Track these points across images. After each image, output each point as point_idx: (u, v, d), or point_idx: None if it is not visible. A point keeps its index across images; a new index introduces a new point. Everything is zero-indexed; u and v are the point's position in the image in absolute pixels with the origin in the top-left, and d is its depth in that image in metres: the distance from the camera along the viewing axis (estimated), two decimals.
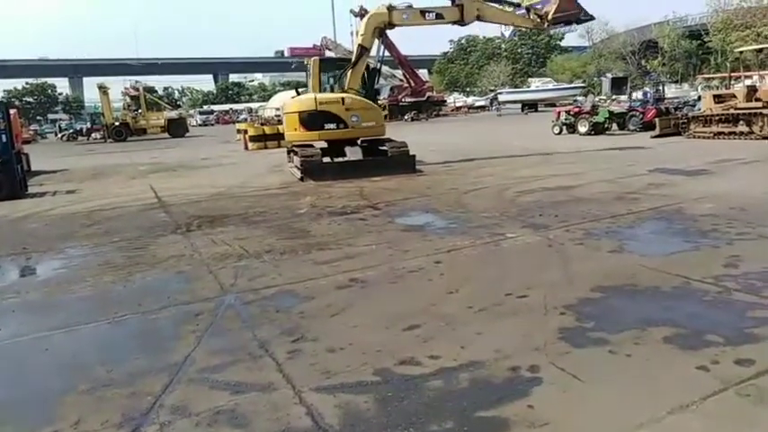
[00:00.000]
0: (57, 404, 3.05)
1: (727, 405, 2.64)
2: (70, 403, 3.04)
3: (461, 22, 12.37)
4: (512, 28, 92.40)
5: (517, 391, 2.86)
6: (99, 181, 14.32)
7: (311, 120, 12.07)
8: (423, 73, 59.96)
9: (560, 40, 76.12)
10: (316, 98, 12.12)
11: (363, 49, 12.29)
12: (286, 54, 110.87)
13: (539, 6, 12.81)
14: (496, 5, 13.10)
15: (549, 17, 12.70)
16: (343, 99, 12.08)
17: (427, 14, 12.35)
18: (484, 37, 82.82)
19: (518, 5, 13.14)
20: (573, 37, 76.26)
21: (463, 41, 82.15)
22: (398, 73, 45.10)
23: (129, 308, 4.47)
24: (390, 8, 12.21)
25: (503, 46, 78.75)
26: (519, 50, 73.79)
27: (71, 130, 45.75)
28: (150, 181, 13.40)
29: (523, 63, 71.55)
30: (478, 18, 12.39)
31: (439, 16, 12.41)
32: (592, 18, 13.29)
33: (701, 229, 5.90)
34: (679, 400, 2.66)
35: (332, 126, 12.02)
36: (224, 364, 3.36)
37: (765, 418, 2.54)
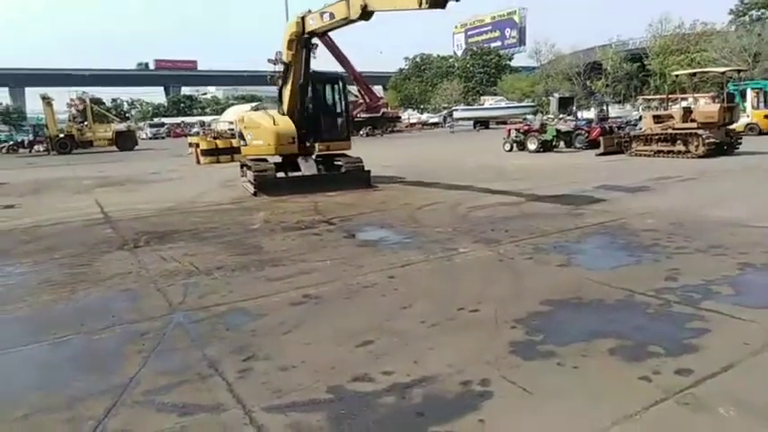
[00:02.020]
0: None
1: (668, 414, 2.75)
2: None
3: (350, 19, 10.15)
4: (464, 47, 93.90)
5: (469, 405, 2.89)
6: (40, 195, 13.70)
7: (239, 135, 13.15)
8: (378, 89, 60.60)
9: (510, 61, 78.72)
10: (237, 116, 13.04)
11: (285, 66, 11.84)
12: (151, 67, 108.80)
13: None
14: None
15: None
16: (243, 117, 12.68)
17: (323, 15, 10.74)
18: (438, 55, 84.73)
19: None
20: (522, 57, 79.17)
21: (418, 59, 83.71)
22: (354, 89, 45.35)
23: (70, 328, 4.27)
24: (305, 16, 11.18)
25: (456, 64, 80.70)
26: (471, 69, 75.67)
27: (11, 142, 43.70)
28: (96, 195, 12.92)
29: (475, 82, 73.37)
30: (365, 9, 9.70)
31: (332, 16, 10.60)
32: None
33: (643, 243, 6.16)
34: (623, 411, 2.75)
35: (242, 143, 12.98)
36: (171, 384, 3.26)
37: (703, 426, 2.66)
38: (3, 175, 20.45)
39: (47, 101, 36.91)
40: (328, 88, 12.75)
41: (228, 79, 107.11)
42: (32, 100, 68.53)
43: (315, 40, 11.72)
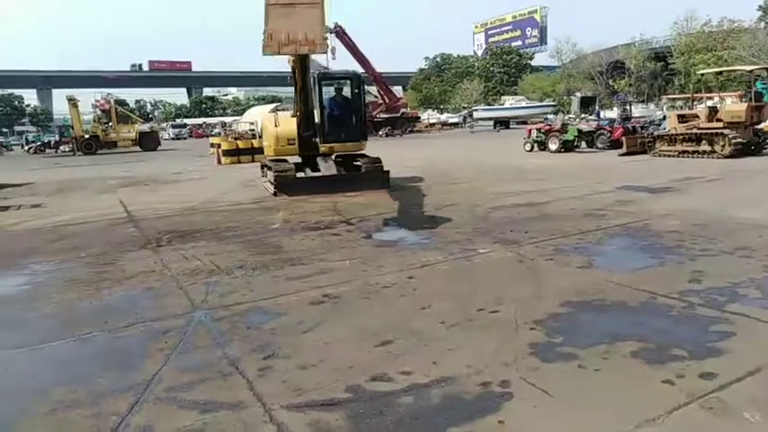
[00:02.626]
0: (14, 428, 2.94)
1: (692, 418, 2.70)
2: (29, 426, 2.94)
3: None
4: (484, 46, 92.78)
5: (488, 406, 2.87)
6: (66, 195, 13.99)
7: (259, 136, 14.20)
8: (397, 89, 60.59)
9: (531, 60, 78.05)
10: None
11: (292, 69, 11.34)
12: (145, 68, 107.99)
13: None
14: None
15: None
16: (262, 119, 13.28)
17: None
18: (458, 55, 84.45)
19: None
20: (543, 57, 78.46)
21: (438, 59, 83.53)
22: (373, 89, 45.45)
23: (94, 325, 4.35)
24: None
25: (476, 64, 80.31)
26: (491, 69, 75.19)
27: (39, 143, 44.74)
28: (120, 195, 13.16)
29: (496, 81, 72.89)
30: None
31: None
32: None
33: (666, 245, 6.06)
34: (645, 414, 2.71)
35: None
36: (193, 382, 3.30)
37: (728, 431, 2.61)
38: (30, 174, 20.95)
39: (73, 102, 37.69)
40: (341, 88, 12.55)
41: (250, 80, 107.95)
42: (59, 101, 70.16)
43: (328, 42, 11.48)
